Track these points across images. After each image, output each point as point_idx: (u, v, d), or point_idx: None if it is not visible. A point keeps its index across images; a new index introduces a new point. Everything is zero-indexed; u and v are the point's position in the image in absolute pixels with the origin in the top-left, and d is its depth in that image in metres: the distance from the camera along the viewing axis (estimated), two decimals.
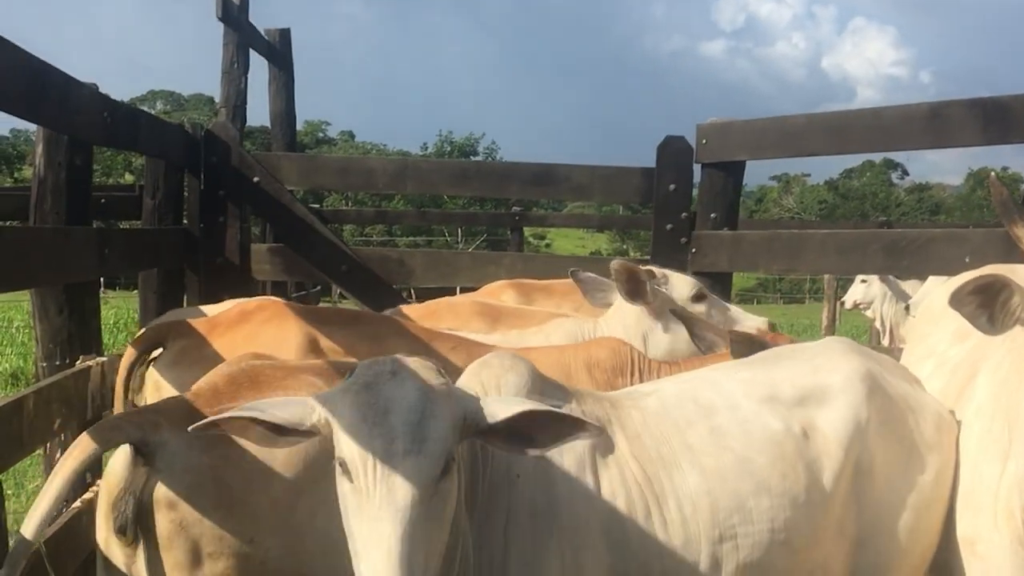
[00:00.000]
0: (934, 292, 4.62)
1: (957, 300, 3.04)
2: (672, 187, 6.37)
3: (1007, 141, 5.30)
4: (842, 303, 13.34)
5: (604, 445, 2.98)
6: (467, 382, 2.95)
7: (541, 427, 2.47)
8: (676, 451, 3.06)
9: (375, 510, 2.26)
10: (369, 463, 2.28)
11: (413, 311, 5.48)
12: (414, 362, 2.49)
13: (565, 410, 2.54)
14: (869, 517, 3.21)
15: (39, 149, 4.69)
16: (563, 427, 2.46)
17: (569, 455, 2.89)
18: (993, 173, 3.28)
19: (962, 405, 3.50)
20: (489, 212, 24.46)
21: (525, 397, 2.85)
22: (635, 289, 4.90)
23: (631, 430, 3.06)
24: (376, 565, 2.21)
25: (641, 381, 4.10)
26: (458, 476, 2.49)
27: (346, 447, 2.33)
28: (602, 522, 2.88)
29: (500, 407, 2.48)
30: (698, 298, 5.11)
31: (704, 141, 6.29)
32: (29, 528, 2.64)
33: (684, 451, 3.06)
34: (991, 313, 3.05)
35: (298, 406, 2.45)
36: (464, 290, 7.44)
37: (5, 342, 14.60)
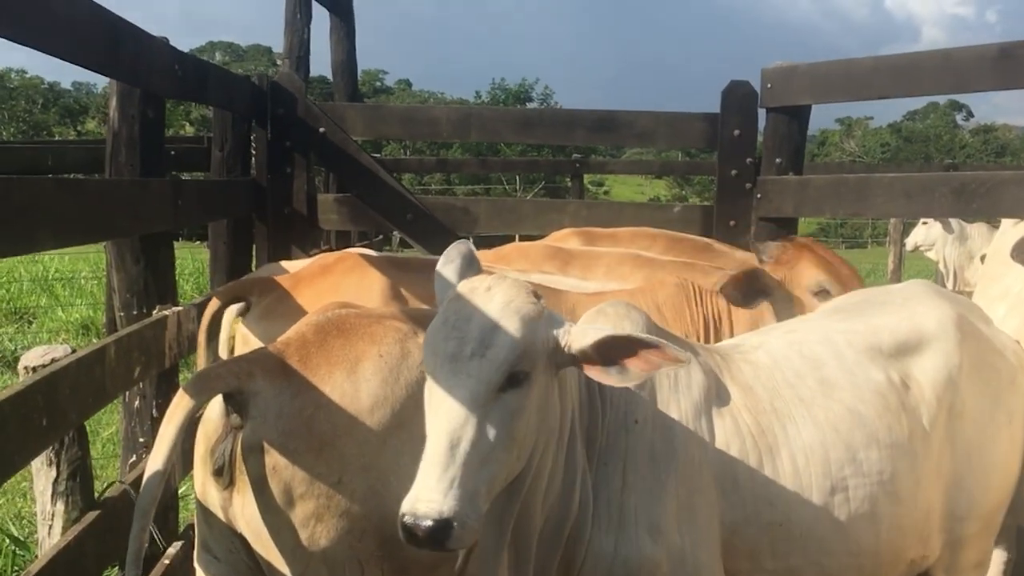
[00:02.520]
0: (1008, 233, 4.59)
1: (1019, 250, 3.03)
2: (737, 132, 6.34)
3: None
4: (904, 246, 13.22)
5: (719, 396, 3.05)
6: None
7: (631, 357, 2.53)
8: (789, 403, 3.13)
9: (438, 405, 2.41)
10: (440, 362, 2.44)
11: (483, 256, 5.53)
12: (512, 282, 2.61)
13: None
14: (961, 459, 3.29)
15: (113, 103, 4.77)
16: (651, 356, 2.52)
17: (686, 403, 2.97)
18: None
19: None
20: (549, 159, 24.34)
21: None
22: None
23: (743, 382, 3.13)
24: (427, 454, 2.36)
25: (704, 312, 4.16)
26: (552, 402, 2.60)
27: (427, 346, 2.50)
28: (715, 469, 2.95)
29: (587, 333, 2.56)
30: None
31: (769, 85, 6.24)
32: (152, 479, 2.77)
33: (797, 403, 3.13)
34: None
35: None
36: (523, 239, 7.47)
37: (75, 293, 14.85)
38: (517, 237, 10.52)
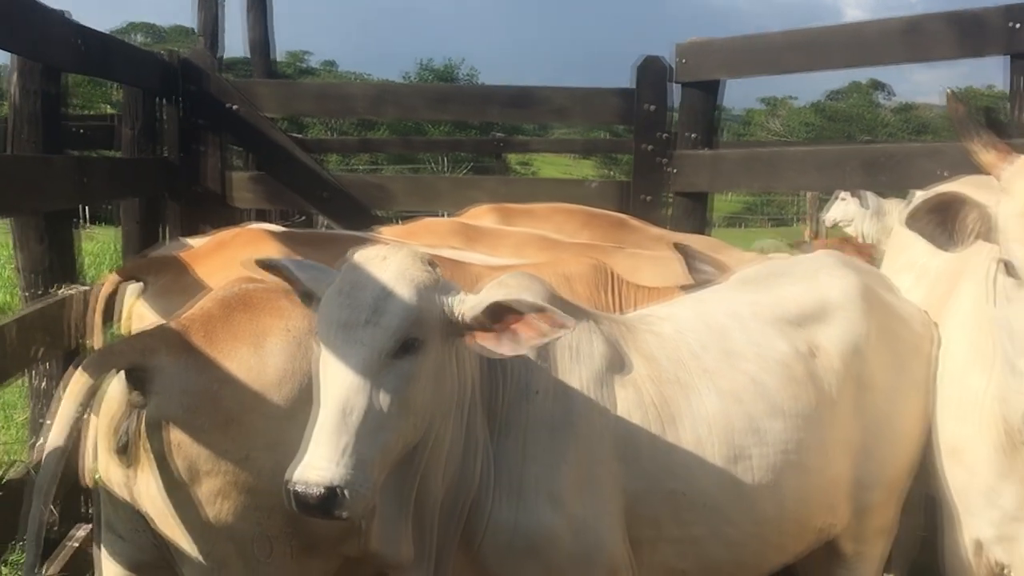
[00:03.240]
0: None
1: (913, 219, 3.04)
2: (651, 107, 6.37)
3: (982, 54, 5.32)
4: (822, 221, 13.40)
5: (622, 366, 3.05)
6: None
7: (521, 324, 2.57)
8: (693, 374, 3.12)
9: (331, 373, 2.43)
10: (333, 330, 2.46)
11: (391, 231, 5.50)
12: (408, 252, 2.64)
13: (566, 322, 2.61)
14: (869, 428, 3.32)
15: (13, 78, 4.66)
16: (538, 322, 2.55)
17: (587, 373, 2.98)
18: (950, 90, 3.27)
19: (946, 316, 3.56)
20: (473, 138, 24.25)
21: None
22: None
23: (647, 352, 3.13)
24: (319, 421, 2.38)
25: (617, 299, 4.13)
26: (449, 372, 2.64)
27: (321, 315, 2.52)
28: (616, 439, 2.96)
29: (478, 300, 2.58)
30: None
31: (683, 60, 6.28)
32: (51, 456, 2.73)
33: (701, 374, 3.13)
34: (950, 231, 3.03)
35: (321, 274, 2.67)
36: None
37: None
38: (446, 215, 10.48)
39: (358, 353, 2.43)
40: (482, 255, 4.70)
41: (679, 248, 4.57)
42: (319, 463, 2.32)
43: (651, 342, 3.17)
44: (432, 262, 2.64)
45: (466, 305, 2.58)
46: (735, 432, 3.08)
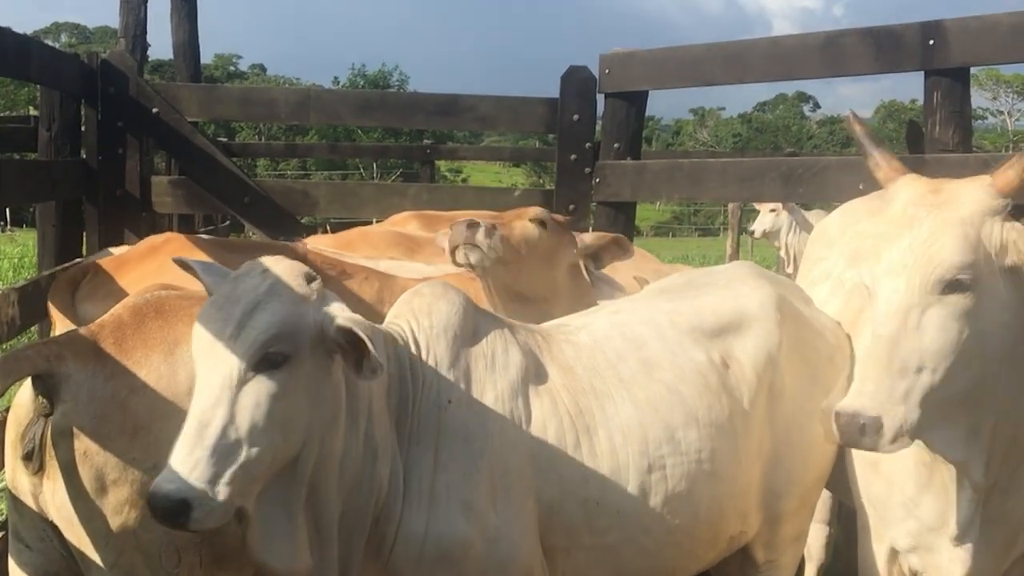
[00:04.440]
0: (828, 216, 4.71)
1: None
2: (575, 117, 6.39)
3: (899, 69, 5.42)
4: (751, 233, 13.57)
5: (537, 376, 3.06)
6: (399, 311, 3.07)
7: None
8: (609, 383, 3.15)
9: (197, 386, 2.48)
10: (203, 342, 2.48)
11: (326, 241, 5.48)
12: (290, 266, 2.62)
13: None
14: (780, 437, 3.37)
15: None
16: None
17: (502, 383, 2.99)
18: (851, 111, 3.36)
19: (861, 330, 3.58)
20: (401, 145, 24.20)
21: (457, 326, 2.98)
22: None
23: (563, 363, 3.14)
24: (183, 432, 2.41)
25: None
26: (329, 386, 2.62)
27: (195, 327, 2.54)
28: (530, 449, 2.97)
29: (336, 321, 2.57)
30: None
31: (607, 71, 6.31)
32: None
33: (617, 384, 3.16)
34: None
35: (222, 280, 2.66)
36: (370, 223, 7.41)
37: None
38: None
39: (219, 367, 2.45)
40: (419, 265, 4.71)
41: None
42: (170, 475, 2.36)
43: (568, 352, 3.19)
44: (311, 276, 2.63)
45: (332, 322, 2.57)
46: (650, 441, 3.11)
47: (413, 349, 2.95)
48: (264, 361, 2.46)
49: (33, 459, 2.81)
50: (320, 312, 2.58)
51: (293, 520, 2.61)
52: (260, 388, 2.45)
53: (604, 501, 3.04)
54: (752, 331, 3.37)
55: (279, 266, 2.60)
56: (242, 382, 2.43)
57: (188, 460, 2.36)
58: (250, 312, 2.48)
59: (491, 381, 2.98)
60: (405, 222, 6.01)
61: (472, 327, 3.04)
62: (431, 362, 2.94)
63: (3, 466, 3.07)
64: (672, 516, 3.14)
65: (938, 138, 5.21)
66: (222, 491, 2.38)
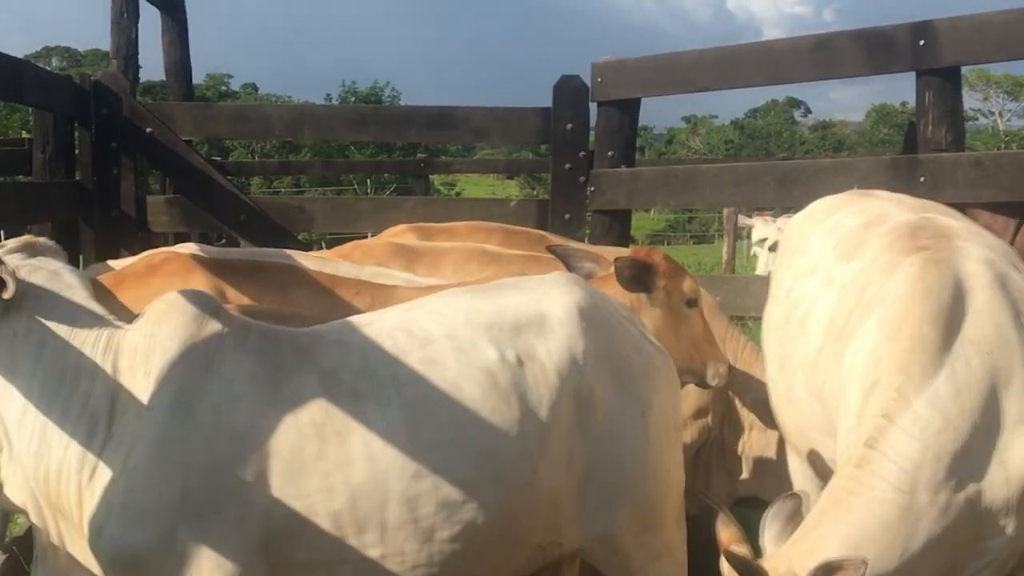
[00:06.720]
0: (813, 204, 4.58)
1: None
2: (569, 126, 6.42)
3: (890, 71, 5.44)
4: (760, 241, 13.58)
5: (275, 386, 2.95)
6: (142, 315, 3.10)
7: None
8: (378, 385, 3.00)
9: None
10: None
11: (325, 256, 5.46)
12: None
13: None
14: (593, 448, 3.20)
15: None
16: None
17: (216, 390, 2.91)
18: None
19: (855, 329, 3.56)
20: (395, 160, 24.19)
21: (182, 336, 2.96)
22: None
23: (326, 366, 3.01)
24: None
25: None
26: None
27: None
28: (253, 465, 2.86)
29: None
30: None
31: (599, 79, 6.35)
32: None
33: (388, 384, 3.00)
34: None
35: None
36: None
37: None
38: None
39: None
40: (405, 274, 4.70)
41: (554, 250, 4.59)
42: None
43: (334, 353, 3.05)
44: None
45: None
46: (421, 445, 2.95)
47: (132, 354, 2.94)
48: None
49: None
50: None
51: None
52: None
53: (360, 512, 2.90)
54: (555, 334, 3.19)
55: None
56: None
57: None
58: None
59: (208, 393, 2.89)
60: (402, 234, 6.00)
61: (203, 338, 2.97)
62: (147, 368, 2.91)
63: None
64: (450, 524, 2.97)
65: (931, 138, 5.23)
66: None
